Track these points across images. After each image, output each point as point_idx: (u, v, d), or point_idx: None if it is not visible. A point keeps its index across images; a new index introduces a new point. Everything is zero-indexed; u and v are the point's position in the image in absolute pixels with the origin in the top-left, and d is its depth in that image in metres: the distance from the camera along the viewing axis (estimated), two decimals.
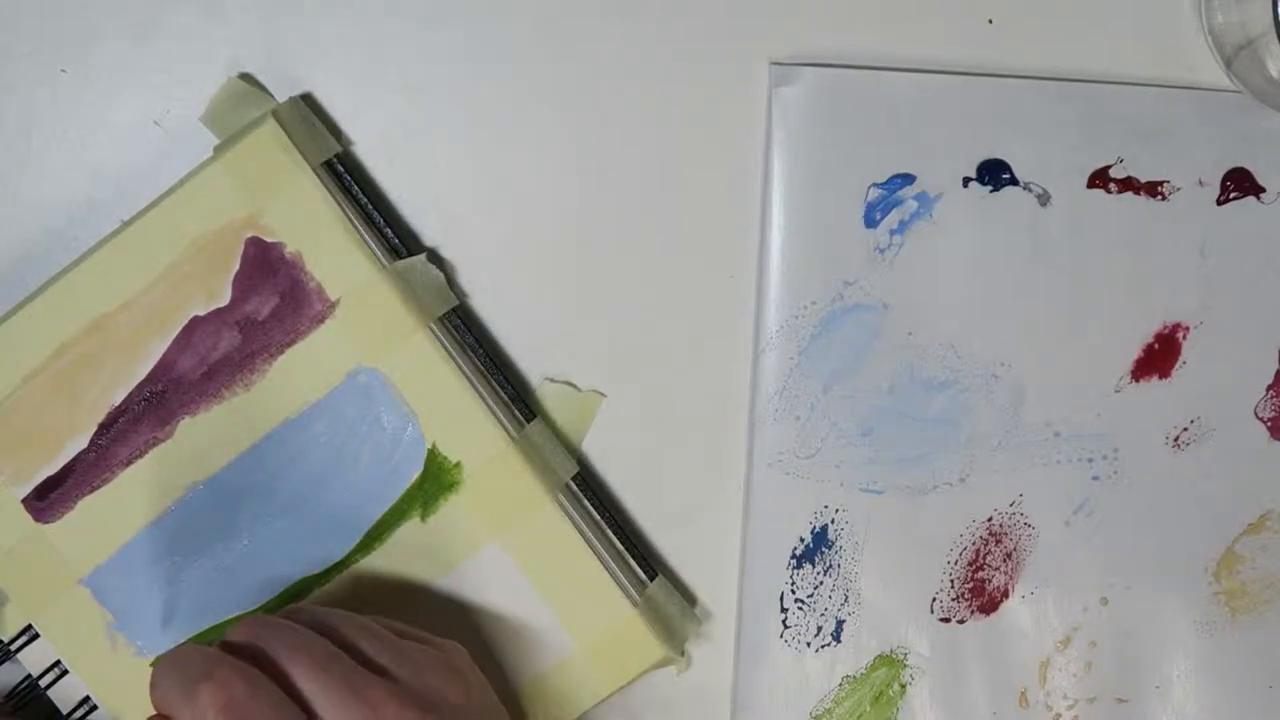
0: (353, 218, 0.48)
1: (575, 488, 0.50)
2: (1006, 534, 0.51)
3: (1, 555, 0.48)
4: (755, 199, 0.50)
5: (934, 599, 0.51)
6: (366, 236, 0.48)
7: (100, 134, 0.50)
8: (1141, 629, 0.51)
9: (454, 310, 0.50)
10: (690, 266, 0.51)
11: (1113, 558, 0.51)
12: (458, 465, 0.48)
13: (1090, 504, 0.51)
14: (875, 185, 0.50)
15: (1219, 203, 0.50)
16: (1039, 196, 0.50)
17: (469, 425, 0.48)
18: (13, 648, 0.49)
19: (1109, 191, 0.50)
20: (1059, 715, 0.52)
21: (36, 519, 0.48)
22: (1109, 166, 0.50)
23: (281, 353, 0.48)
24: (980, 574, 0.51)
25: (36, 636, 0.49)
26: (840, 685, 0.51)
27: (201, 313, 0.48)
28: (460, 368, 0.48)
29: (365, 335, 0.48)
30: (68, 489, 0.48)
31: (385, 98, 0.50)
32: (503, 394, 0.49)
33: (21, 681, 0.50)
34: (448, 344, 0.48)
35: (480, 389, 0.49)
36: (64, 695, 0.50)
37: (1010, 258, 0.50)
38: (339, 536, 0.49)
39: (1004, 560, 0.51)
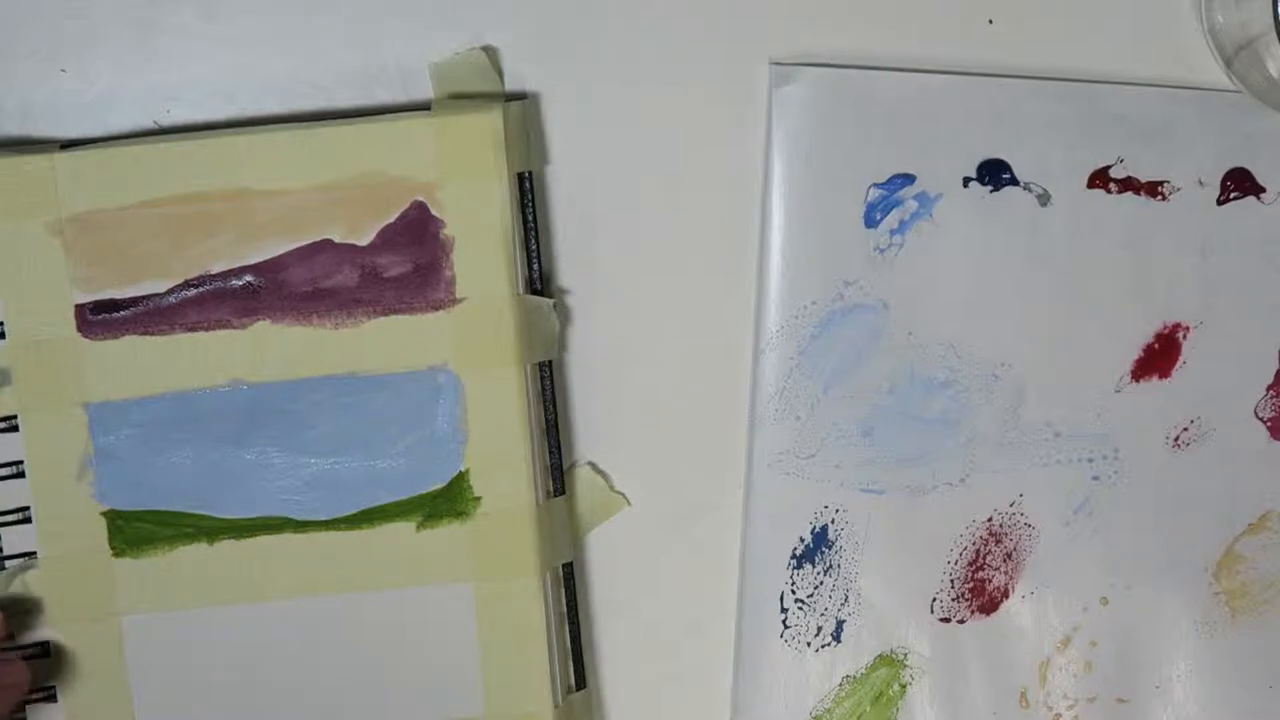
0: (514, 235, 0.48)
1: (561, 574, 0.50)
2: (1006, 534, 0.51)
3: (30, 343, 0.48)
4: (755, 199, 0.50)
5: (934, 599, 0.51)
6: (517, 257, 0.48)
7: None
8: (1141, 629, 0.51)
9: (549, 362, 0.50)
10: (690, 266, 0.51)
11: (1113, 558, 0.51)
12: (477, 500, 0.49)
13: (1090, 504, 0.51)
14: (875, 185, 0.50)
15: (1219, 203, 0.50)
16: (1039, 196, 0.50)
17: (508, 472, 0.48)
18: None
19: (1109, 191, 0.50)
20: (1059, 715, 0.52)
21: (79, 329, 0.48)
22: (1109, 166, 0.50)
23: (385, 315, 0.48)
24: (980, 574, 0.51)
25: (15, 430, 0.48)
26: (840, 685, 0.51)
27: (337, 240, 0.48)
28: (529, 418, 0.48)
29: (467, 343, 0.48)
30: (123, 319, 0.48)
31: None
32: (548, 460, 0.50)
33: None
34: (530, 391, 0.49)
35: (535, 446, 0.49)
36: (2, 494, 0.49)
37: (1010, 258, 0.50)
38: (336, 500, 0.49)
39: (1004, 560, 0.51)
